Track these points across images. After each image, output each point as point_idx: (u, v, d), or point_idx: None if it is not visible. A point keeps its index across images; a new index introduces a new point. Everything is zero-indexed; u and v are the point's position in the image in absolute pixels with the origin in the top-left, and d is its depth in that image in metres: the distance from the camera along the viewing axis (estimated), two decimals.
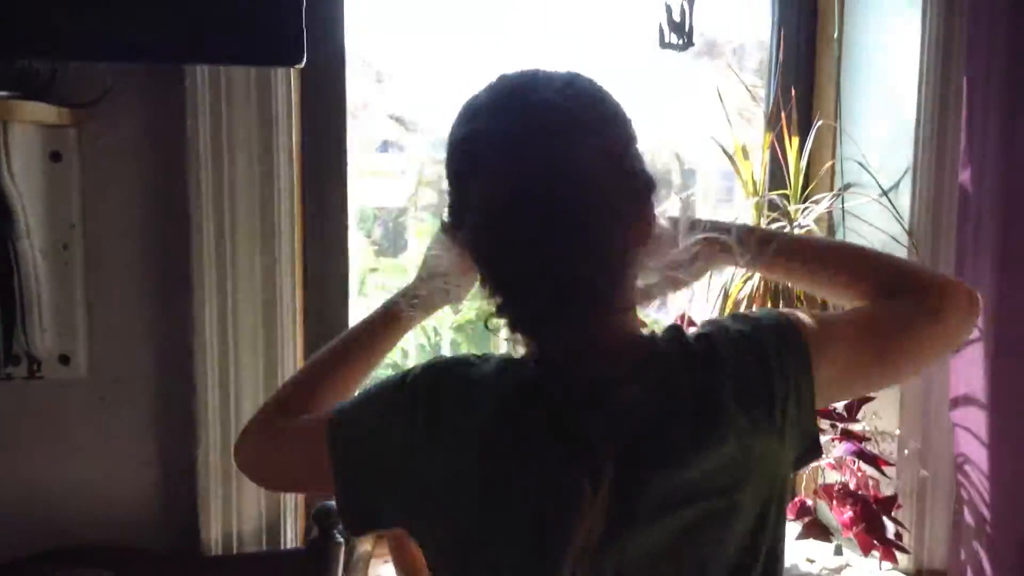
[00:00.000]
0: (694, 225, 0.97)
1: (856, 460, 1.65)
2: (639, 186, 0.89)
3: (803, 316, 0.96)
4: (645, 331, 0.94)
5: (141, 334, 1.52)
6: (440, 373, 0.93)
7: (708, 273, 1.02)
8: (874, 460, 1.60)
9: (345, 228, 1.72)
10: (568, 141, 0.84)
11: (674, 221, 0.96)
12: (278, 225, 1.50)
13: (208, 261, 1.47)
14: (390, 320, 1.09)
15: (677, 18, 1.56)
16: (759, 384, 0.88)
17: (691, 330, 0.94)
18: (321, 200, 1.69)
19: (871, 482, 1.73)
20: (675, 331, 0.93)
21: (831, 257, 1.08)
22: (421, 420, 0.90)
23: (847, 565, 1.87)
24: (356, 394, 1.03)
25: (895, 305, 1.00)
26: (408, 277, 1.11)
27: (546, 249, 0.84)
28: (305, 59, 1.24)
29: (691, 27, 1.59)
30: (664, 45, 1.59)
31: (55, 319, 1.45)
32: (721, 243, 1.00)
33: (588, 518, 0.81)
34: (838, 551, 1.90)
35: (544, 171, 0.83)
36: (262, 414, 1.07)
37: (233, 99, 1.46)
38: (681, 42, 1.58)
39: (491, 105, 0.88)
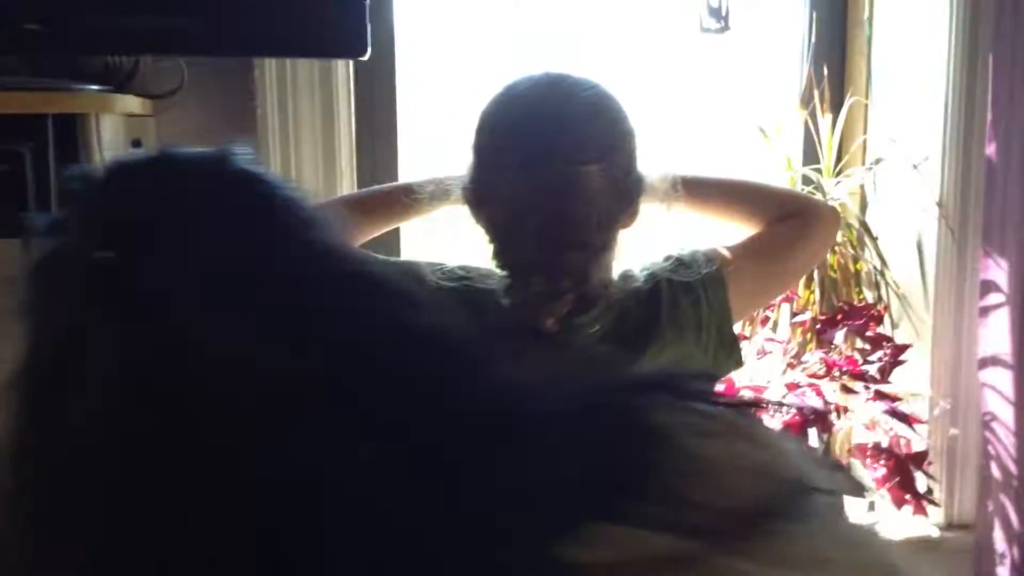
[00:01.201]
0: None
1: (889, 420, 1.74)
2: (634, 193, 1.10)
3: (721, 251, 1.20)
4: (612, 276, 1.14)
5: None
6: (460, 282, 1.14)
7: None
8: (905, 418, 1.69)
9: None
10: (582, 166, 1.03)
11: None
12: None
13: None
14: (398, 202, 1.26)
15: (715, 3, 1.65)
16: (690, 314, 1.14)
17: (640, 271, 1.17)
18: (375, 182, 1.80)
19: (903, 441, 1.81)
20: (628, 279, 1.15)
21: (733, 193, 1.32)
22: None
23: (879, 521, 1.96)
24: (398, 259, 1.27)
25: (779, 232, 1.24)
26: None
27: (548, 250, 1.04)
28: (369, 51, 1.35)
29: (728, 11, 1.67)
30: (703, 30, 1.68)
31: None
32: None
33: None
34: (871, 507, 1.99)
35: (556, 191, 1.03)
36: None
37: (298, 89, 1.56)
38: (720, 26, 1.66)
39: (522, 118, 1.07)
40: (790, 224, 1.24)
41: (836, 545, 0.56)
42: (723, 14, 1.64)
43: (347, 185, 1.61)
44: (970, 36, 1.79)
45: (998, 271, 1.76)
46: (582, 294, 1.07)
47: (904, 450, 1.79)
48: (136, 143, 1.55)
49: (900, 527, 1.92)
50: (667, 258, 1.20)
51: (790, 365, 1.88)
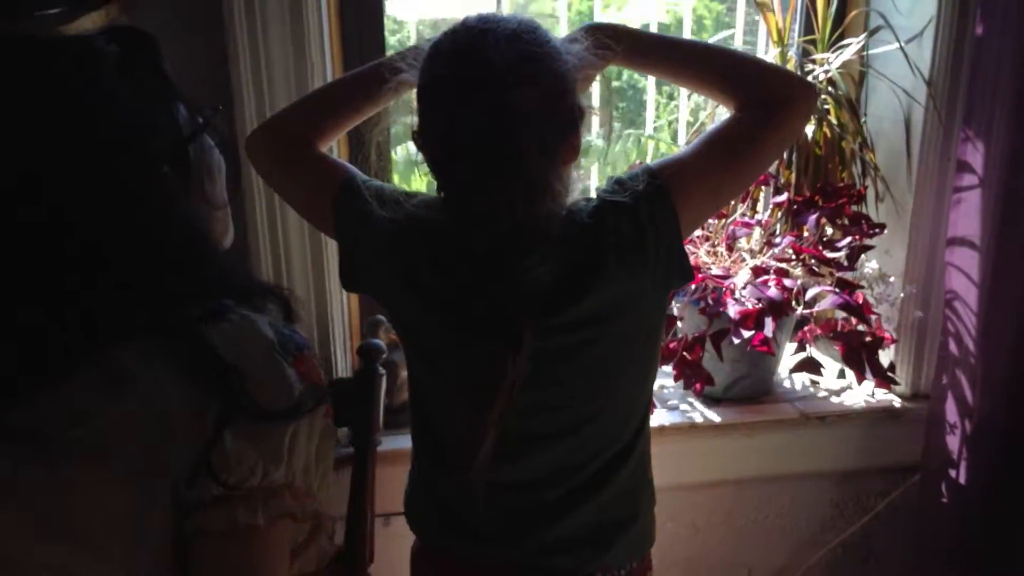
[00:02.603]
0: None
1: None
2: (570, 118, 1.12)
3: (665, 166, 1.21)
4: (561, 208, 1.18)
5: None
6: (424, 212, 1.21)
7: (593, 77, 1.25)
8: (859, 311, 1.73)
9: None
10: (510, 91, 1.06)
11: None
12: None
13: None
14: (383, 76, 1.26)
15: None
16: (634, 239, 1.16)
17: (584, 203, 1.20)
18: None
19: (874, 319, 1.86)
20: (572, 213, 1.18)
21: (692, 57, 1.31)
22: (397, 240, 1.20)
23: (848, 387, 2.05)
24: (372, 180, 1.28)
25: (745, 126, 1.23)
26: None
27: (483, 176, 1.09)
28: None
29: None
30: None
31: None
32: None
33: (511, 373, 1.12)
34: (841, 374, 2.07)
35: (488, 115, 1.07)
36: (280, 127, 1.34)
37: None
38: None
39: (449, 54, 1.10)
40: (759, 115, 1.23)
41: None
42: None
43: (318, 74, 1.64)
44: None
45: (975, 153, 1.74)
46: (518, 219, 1.11)
47: (875, 327, 1.84)
48: None
49: (864, 394, 2.01)
50: (608, 182, 1.23)
51: (767, 243, 1.91)
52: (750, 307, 1.71)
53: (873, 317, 1.85)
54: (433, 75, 1.12)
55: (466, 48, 1.09)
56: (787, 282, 1.75)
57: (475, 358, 1.14)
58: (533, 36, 1.10)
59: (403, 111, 1.26)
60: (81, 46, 0.94)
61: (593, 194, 1.25)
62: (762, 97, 1.23)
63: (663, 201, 1.18)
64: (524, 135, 1.08)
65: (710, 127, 1.27)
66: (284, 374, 0.91)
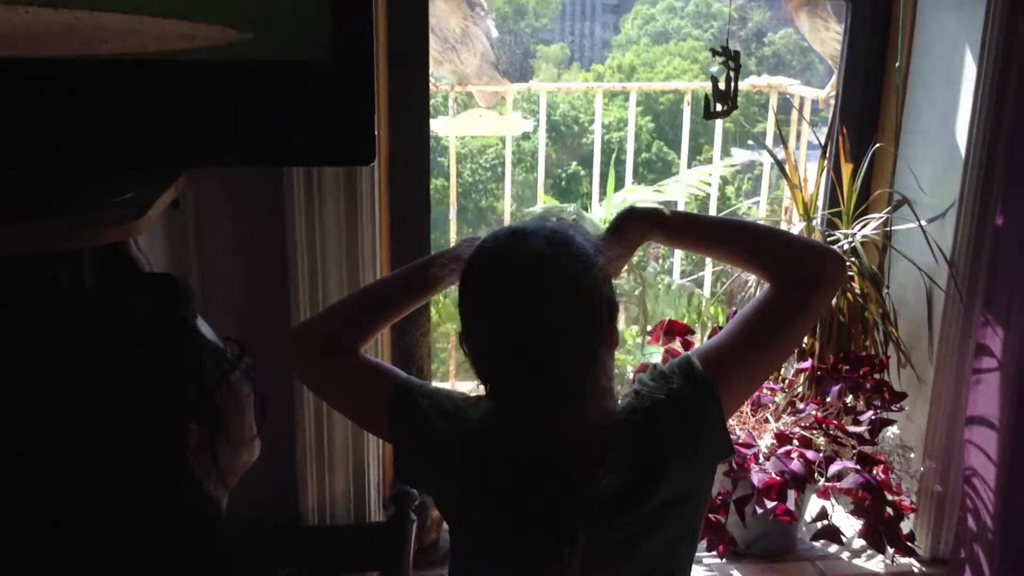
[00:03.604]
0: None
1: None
2: (605, 315, 1.17)
3: (707, 356, 1.26)
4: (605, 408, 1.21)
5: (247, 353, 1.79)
6: (483, 422, 1.22)
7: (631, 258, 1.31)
8: (880, 490, 1.77)
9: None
10: (544, 308, 1.12)
11: None
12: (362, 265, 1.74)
13: (303, 297, 1.73)
14: (423, 280, 1.32)
15: (722, 86, 1.65)
16: (689, 438, 1.20)
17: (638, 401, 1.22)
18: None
19: (894, 484, 1.91)
20: (627, 416, 1.21)
21: (724, 236, 1.36)
22: (458, 446, 1.23)
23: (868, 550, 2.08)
24: (426, 385, 1.31)
25: (775, 306, 1.28)
26: None
27: (528, 385, 1.14)
28: (376, 158, 1.44)
29: (735, 90, 1.67)
30: (709, 116, 1.68)
31: None
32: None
33: (569, 571, 1.15)
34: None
35: (525, 331, 1.13)
36: (321, 335, 1.36)
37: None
38: (726, 108, 1.66)
39: (482, 277, 1.17)
40: (792, 295, 1.27)
41: None
42: (730, 95, 1.65)
43: (368, 260, 1.74)
44: (996, 98, 1.78)
45: (994, 338, 1.80)
46: (569, 420, 1.15)
47: (894, 496, 1.88)
48: (175, 203, 1.69)
49: (885, 557, 2.04)
50: (655, 378, 1.26)
51: (791, 404, 1.97)
52: (774, 476, 1.76)
53: (893, 485, 1.90)
54: (468, 293, 1.18)
55: (497, 269, 1.16)
56: (810, 454, 1.80)
57: (533, 555, 1.18)
58: (561, 249, 1.15)
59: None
60: (115, 315, 0.90)
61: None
62: (794, 276, 1.28)
63: (709, 394, 1.22)
64: (562, 345, 1.13)
65: (746, 308, 1.33)
66: None
